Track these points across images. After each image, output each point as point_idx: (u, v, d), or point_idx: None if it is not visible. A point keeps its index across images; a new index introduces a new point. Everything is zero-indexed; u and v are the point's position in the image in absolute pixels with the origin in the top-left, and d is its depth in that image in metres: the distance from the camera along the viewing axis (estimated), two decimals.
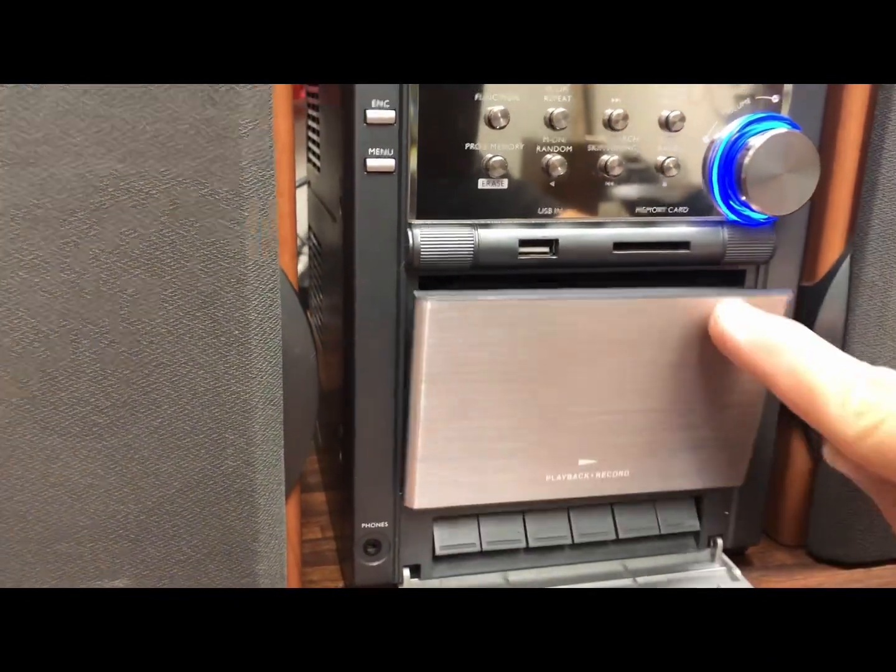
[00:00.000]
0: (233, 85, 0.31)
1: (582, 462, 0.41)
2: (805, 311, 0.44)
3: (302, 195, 0.54)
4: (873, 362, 0.43)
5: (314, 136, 0.52)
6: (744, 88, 0.38)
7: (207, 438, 0.35)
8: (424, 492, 0.40)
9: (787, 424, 0.45)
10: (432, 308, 0.36)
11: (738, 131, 0.38)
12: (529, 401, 0.39)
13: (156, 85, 0.31)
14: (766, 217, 0.39)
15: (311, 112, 0.53)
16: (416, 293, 0.37)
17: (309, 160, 0.56)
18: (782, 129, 0.37)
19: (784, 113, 0.39)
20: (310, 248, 0.63)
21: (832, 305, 0.43)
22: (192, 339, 0.33)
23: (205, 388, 0.34)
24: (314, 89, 0.50)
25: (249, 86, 0.32)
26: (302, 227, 0.58)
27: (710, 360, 0.40)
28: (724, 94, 0.38)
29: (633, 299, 0.38)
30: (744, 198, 0.38)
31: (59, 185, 0.31)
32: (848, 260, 0.43)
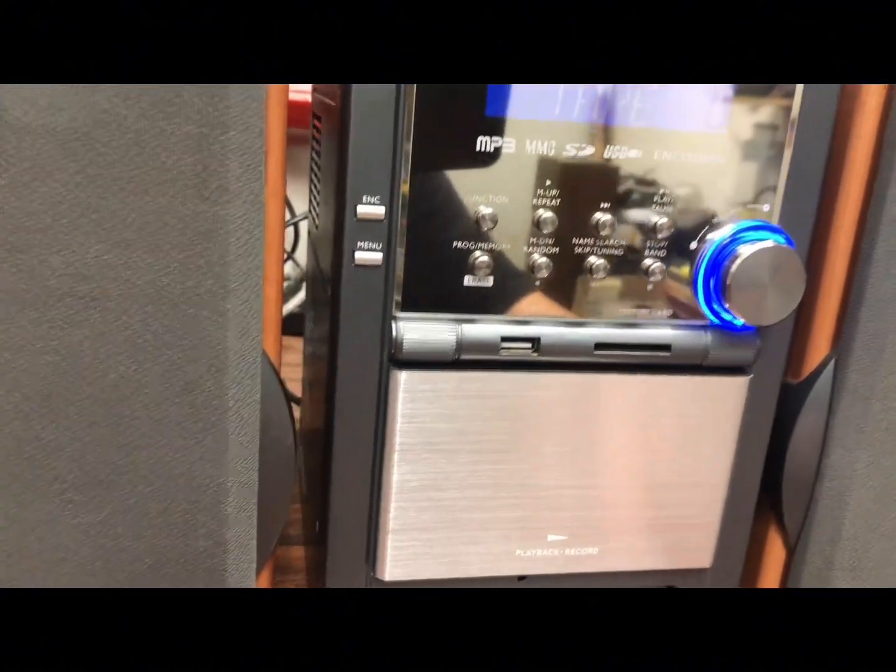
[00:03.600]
0: (223, 181, 0.32)
1: (551, 538, 0.41)
2: (788, 408, 0.44)
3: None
4: (851, 467, 0.43)
5: (316, 170, 0.51)
6: (736, 197, 0.39)
7: (180, 519, 0.35)
8: (396, 564, 0.40)
9: (764, 510, 0.46)
10: (406, 379, 0.37)
11: (730, 237, 0.39)
12: (500, 473, 0.40)
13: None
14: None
15: (315, 146, 0.52)
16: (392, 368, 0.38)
17: (310, 206, 0.56)
18: (773, 241, 0.38)
19: (775, 222, 0.39)
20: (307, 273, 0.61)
21: (814, 405, 0.44)
22: (170, 424, 0.34)
23: (180, 471, 0.35)
24: (319, 116, 0.49)
25: (240, 182, 0.32)
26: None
27: (678, 438, 0.41)
28: (715, 202, 0.38)
29: (605, 376, 0.39)
30: (727, 304, 0.38)
31: (49, 271, 0.32)
32: (832, 364, 0.43)
